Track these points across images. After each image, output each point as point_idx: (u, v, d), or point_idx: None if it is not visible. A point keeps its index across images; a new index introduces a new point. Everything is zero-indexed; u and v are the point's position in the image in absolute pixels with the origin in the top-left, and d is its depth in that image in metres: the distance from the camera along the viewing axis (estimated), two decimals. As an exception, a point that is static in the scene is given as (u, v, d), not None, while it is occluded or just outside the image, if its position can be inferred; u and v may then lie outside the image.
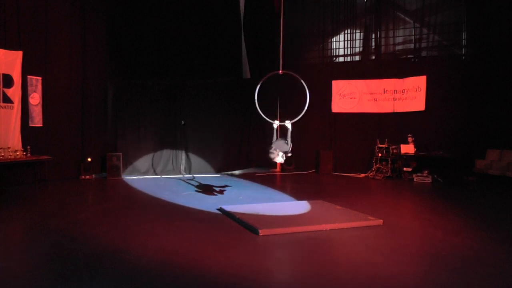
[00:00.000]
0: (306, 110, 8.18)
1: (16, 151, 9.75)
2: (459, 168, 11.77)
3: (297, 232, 5.99)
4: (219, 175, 12.83)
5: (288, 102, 12.78)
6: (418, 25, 12.92)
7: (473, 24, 12.30)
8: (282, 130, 8.17)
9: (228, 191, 9.66)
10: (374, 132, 12.98)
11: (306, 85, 8.10)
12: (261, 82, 8.18)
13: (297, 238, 5.79)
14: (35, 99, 10.84)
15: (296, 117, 8.07)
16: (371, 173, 12.53)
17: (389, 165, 12.30)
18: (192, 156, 13.16)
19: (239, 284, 4.24)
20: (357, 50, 13.76)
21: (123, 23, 12.48)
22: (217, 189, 10.01)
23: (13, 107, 10.24)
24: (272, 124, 7.92)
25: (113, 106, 12.59)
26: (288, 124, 7.68)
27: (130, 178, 11.96)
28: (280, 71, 8.34)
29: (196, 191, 9.89)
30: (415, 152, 11.92)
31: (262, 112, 8.12)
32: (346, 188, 10.63)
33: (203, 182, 11.15)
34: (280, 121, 8.08)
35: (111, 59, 12.54)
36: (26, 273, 4.58)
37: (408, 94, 12.82)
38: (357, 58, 13.84)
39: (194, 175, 12.59)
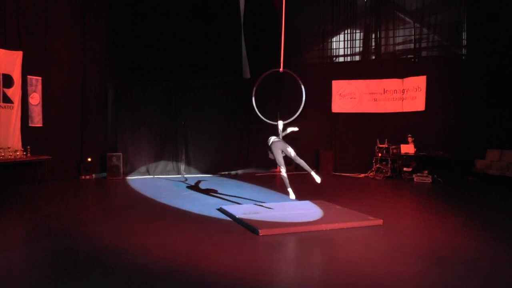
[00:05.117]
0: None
1: (16, 151, 9.75)
2: (459, 168, 11.75)
3: (297, 232, 5.99)
4: (219, 175, 12.82)
5: (289, 101, 12.73)
6: (418, 25, 12.91)
7: (473, 24, 12.29)
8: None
9: (228, 191, 9.65)
10: (374, 132, 12.97)
11: (305, 84, 8.06)
12: (259, 81, 8.06)
13: (297, 238, 5.79)
14: (35, 99, 10.84)
15: (293, 116, 7.95)
16: (371, 173, 12.53)
17: (389, 165, 12.29)
18: (192, 156, 13.15)
19: (239, 284, 4.24)
20: (357, 50, 13.76)
21: (123, 24, 12.47)
22: (217, 189, 10.00)
23: (13, 107, 10.24)
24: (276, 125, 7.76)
25: (113, 106, 12.59)
26: (280, 124, 7.65)
27: (130, 178, 11.96)
28: (280, 69, 8.11)
29: (196, 191, 9.89)
30: (415, 152, 11.91)
31: (261, 112, 8.02)
32: (346, 188, 10.62)
33: (203, 182, 11.15)
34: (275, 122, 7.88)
35: (111, 59, 12.52)
36: (26, 273, 4.58)
37: (408, 94, 12.82)
38: (357, 58, 13.84)
39: (194, 175, 12.59)
